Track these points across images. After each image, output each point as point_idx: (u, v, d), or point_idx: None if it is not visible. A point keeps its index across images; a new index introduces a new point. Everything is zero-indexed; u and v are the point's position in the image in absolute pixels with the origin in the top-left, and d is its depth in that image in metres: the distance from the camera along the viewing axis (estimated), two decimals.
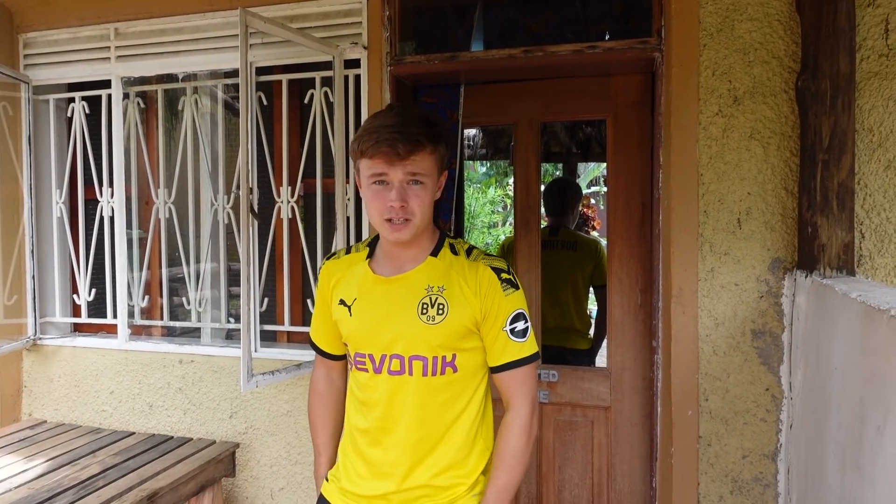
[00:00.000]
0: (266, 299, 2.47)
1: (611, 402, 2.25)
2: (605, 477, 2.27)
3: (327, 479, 1.37)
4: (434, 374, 1.21)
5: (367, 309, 1.24)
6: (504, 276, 1.23)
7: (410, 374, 1.21)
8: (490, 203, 8.67)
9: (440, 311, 1.20)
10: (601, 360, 2.91)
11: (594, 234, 6.06)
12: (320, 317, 1.38)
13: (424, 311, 1.20)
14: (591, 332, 3.04)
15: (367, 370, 1.25)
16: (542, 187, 2.63)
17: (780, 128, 1.82)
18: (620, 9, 2.19)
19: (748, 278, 1.84)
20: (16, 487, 1.95)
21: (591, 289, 3.01)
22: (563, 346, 2.80)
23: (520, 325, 1.23)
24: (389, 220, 1.17)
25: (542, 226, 2.41)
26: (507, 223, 9.88)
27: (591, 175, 9.20)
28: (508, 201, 9.66)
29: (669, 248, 1.90)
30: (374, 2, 2.20)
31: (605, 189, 9.25)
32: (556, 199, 3.05)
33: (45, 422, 2.65)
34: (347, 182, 2.27)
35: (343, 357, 1.43)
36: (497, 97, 2.34)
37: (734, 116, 1.85)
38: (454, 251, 1.27)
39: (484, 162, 8.07)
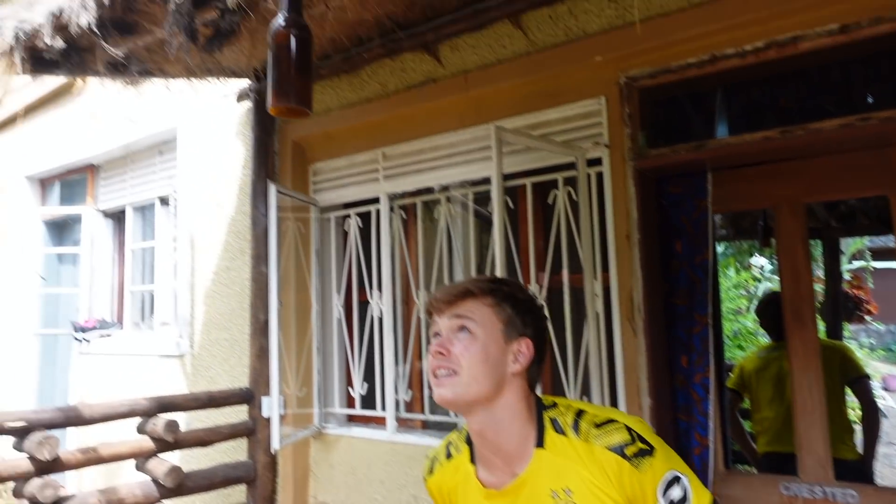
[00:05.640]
0: None
1: None
2: None
3: None
4: None
5: None
6: (629, 450, 1.16)
7: None
8: (734, 287, 8.51)
9: None
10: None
11: (868, 319, 5.96)
12: None
13: None
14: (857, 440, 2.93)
15: None
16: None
17: None
18: (890, 70, 2.30)
19: None
20: None
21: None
22: None
23: (675, 493, 1.15)
24: (434, 376, 1.21)
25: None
26: (751, 309, 9.61)
27: (854, 248, 8.60)
28: (753, 283, 9.49)
29: None
30: (614, 102, 2.66)
31: (873, 263, 8.72)
32: (774, 319, 3.13)
33: None
34: (595, 279, 2.68)
35: None
36: (749, 181, 2.56)
37: None
38: (558, 429, 1.23)
39: (719, 242, 8.05)
